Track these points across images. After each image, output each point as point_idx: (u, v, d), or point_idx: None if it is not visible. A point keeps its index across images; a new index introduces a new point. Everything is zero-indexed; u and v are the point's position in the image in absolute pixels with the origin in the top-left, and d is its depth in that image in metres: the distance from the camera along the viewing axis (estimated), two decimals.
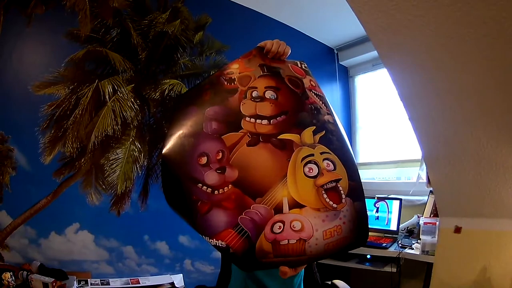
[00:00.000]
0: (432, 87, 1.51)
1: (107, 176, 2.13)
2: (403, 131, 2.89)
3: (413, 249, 2.21)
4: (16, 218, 1.88)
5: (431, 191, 2.35)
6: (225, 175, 0.94)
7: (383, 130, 3.20)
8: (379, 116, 3.25)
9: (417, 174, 2.50)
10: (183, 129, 1.00)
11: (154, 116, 2.31)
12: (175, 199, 0.98)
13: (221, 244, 0.89)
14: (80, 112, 2.05)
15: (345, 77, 3.51)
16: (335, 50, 3.41)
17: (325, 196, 0.93)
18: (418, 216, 2.47)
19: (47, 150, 1.98)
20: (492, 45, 1.22)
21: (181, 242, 2.33)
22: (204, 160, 0.95)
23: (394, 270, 2.23)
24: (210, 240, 0.90)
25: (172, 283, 2.15)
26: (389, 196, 2.65)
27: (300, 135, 1.01)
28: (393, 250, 2.24)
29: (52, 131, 1.99)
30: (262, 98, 1.06)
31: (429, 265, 2.00)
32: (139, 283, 2.10)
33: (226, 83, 1.09)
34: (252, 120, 1.01)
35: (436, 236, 1.99)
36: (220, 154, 0.96)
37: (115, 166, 2.15)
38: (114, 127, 2.14)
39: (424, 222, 2.16)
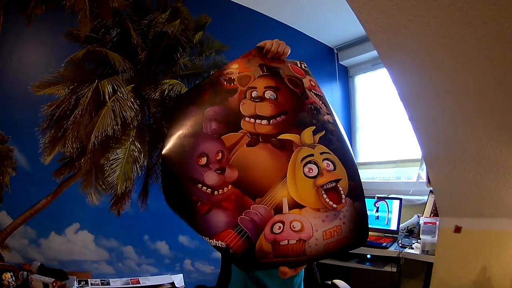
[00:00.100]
0: (432, 87, 1.50)
1: (107, 176, 2.13)
2: (403, 131, 2.88)
3: (413, 248, 2.21)
4: (16, 218, 1.88)
5: (431, 191, 2.35)
6: (225, 176, 0.94)
7: (383, 130, 3.20)
8: (379, 116, 3.25)
9: (417, 173, 2.49)
10: (183, 129, 1.00)
11: (154, 116, 2.30)
12: (175, 199, 0.98)
13: (221, 245, 0.89)
14: (80, 112, 2.05)
15: (345, 77, 3.51)
16: (335, 50, 3.41)
17: (325, 196, 0.93)
18: (418, 215, 2.48)
19: (47, 150, 1.98)
20: (492, 45, 1.22)
21: (181, 242, 2.33)
22: (203, 160, 0.95)
23: (394, 270, 2.23)
24: (210, 240, 0.90)
25: (172, 283, 2.15)
26: (389, 196, 2.65)
27: (299, 135, 1.00)
28: (393, 249, 2.24)
29: (52, 131, 1.99)
30: (261, 98, 1.05)
31: (429, 265, 2.00)
32: (139, 283, 2.10)
33: (225, 83, 1.08)
34: (252, 120, 1.01)
35: (436, 236, 2.00)
36: (220, 154, 0.96)
37: (115, 166, 2.15)
38: (114, 127, 2.14)
39: (424, 222, 2.16)
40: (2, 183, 1.86)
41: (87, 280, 1.97)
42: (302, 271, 1.08)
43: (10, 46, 1.92)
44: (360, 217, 0.96)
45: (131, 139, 2.20)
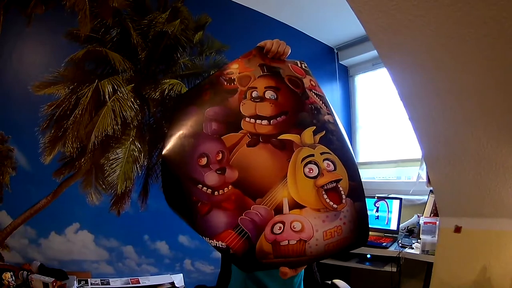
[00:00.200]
0: (433, 87, 1.50)
1: (107, 176, 2.13)
2: (403, 131, 2.88)
3: (413, 248, 2.21)
4: (16, 218, 1.88)
5: (431, 191, 2.35)
6: (225, 176, 0.94)
7: (383, 130, 3.20)
8: (379, 115, 3.25)
9: (417, 173, 2.50)
10: (183, 129, 1.00)
11: (154, 116, 2.30)
12: (175, 199, 0.97)
13: (221, 245, 0.89)
14: (80, 112, 2.05)
15: (345, 76, 3.51)
16: (335, 50, 3.41)
17: (325, 196, 0.93)
18: (418, 215, 2.48)
19: (47, 150, 1.98)
20: (492, 45, 1.21)
21: (181, 242, 2.33)
22: (204, 160, 0.95)
23: (394, 269, 2.23)
24: (210, 241, 0.90)
25: (172, 283, 2.15)
26: (389, 196, 2.66)
27: (300, 135, 1.00)
28: (393, 249, 2.25)
29: (52, 131, 1.99)
30: (262, 98, 1.05)
31: (429, 265, 2.00)
32: (139, 283, 2.10)
33: (225, 83, 1.08)
34: (252, 120, 1.01)
35: (436, 236, 2.00)
36: (220, 154, 0.96)
37: (115, 166, 2.15)
38: (114, 127, 2.14)
39: (424, 222, 2.16)
40: (2, 183, 1.86)
41: (87, 280, 1.97)
42: (302, 271, 1.08)
43: (10, 46, 1.92)
44: (360, 217, 0.96)
45: (131, 139, 2.20)
